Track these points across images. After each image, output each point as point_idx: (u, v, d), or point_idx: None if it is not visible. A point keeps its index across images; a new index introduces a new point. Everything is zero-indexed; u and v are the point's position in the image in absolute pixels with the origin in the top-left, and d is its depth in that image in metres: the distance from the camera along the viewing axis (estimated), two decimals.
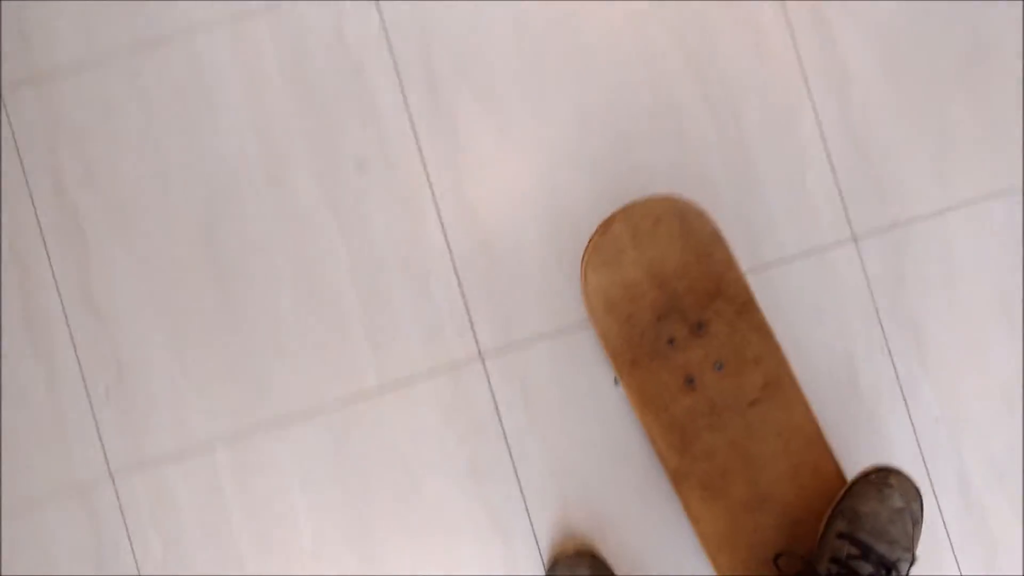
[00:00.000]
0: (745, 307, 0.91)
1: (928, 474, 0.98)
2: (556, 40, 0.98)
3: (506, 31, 0.98)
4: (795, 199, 0.98)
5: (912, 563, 0.87)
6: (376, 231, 0.97)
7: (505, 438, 0.96)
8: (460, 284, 0.97)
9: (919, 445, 0.98)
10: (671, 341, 0.91)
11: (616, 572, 0.95)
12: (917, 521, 0.88)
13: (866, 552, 0.84)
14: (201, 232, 0.97)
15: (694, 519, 0.90)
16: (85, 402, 0.96)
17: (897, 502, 0.87)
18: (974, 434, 0.98)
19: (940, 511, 0.97)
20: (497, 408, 0.97)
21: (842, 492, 0.89)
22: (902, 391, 0.98)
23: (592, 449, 0.97)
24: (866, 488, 0.88)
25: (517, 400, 0.97)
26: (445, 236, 0.97)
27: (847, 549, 0.85)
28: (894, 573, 0.85)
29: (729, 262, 0.91)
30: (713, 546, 0.90)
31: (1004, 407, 0.98)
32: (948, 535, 0.97)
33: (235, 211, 0.97)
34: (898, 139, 0.98)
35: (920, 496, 0.88)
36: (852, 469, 0.96)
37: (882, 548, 0.85)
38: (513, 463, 0.96)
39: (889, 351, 0.98)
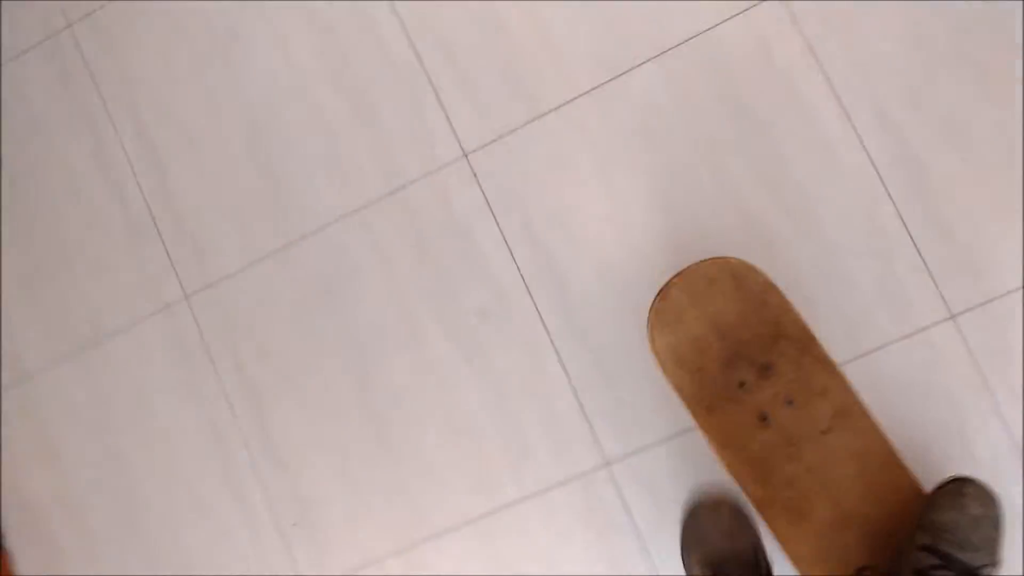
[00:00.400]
0: (807, 345, 1.00)
1: None
2: (640, 182, 1.10)
3: (586, 177, 1.11)
4: (887, 287, 1.04)
5: (997, 566, 0.92)
6: (501, 367, 1.13)
7: (638, 534, 1.09)
8: (580, 404, 1.11)
9: None
10: (741, 385, 1.01)
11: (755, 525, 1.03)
12: (998, 526, 0.93)
13: (948, 562, 0.91)
14: (356, 385, 1.17)
15: (782, 541, 1.00)
16: (277, 539, 1.18)
17: (976, 510, 0.93)
18: None
19: None
20: (627, 507, 1.10)
21: (922, 507, 0.96)
22: None
23: None
24: (943, 499, 0.94)
25: (645, 497, 1.09)
26: (562, 364, 1.11)
27: (928, 560, 0.92)
28: None
29: (785, 306, 1.00)
30: (804, 565, 0.99)
31: None
32: None
33: (382, 366, 1.16)
34: (981, 215, 1.02)
35: (998, 501, 0.94)
36: None
37: (965, 557, 0.91)
38: (650, 556, 1.09)
39: (1002, 418, 1.02)
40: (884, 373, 1.04)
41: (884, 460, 0.99)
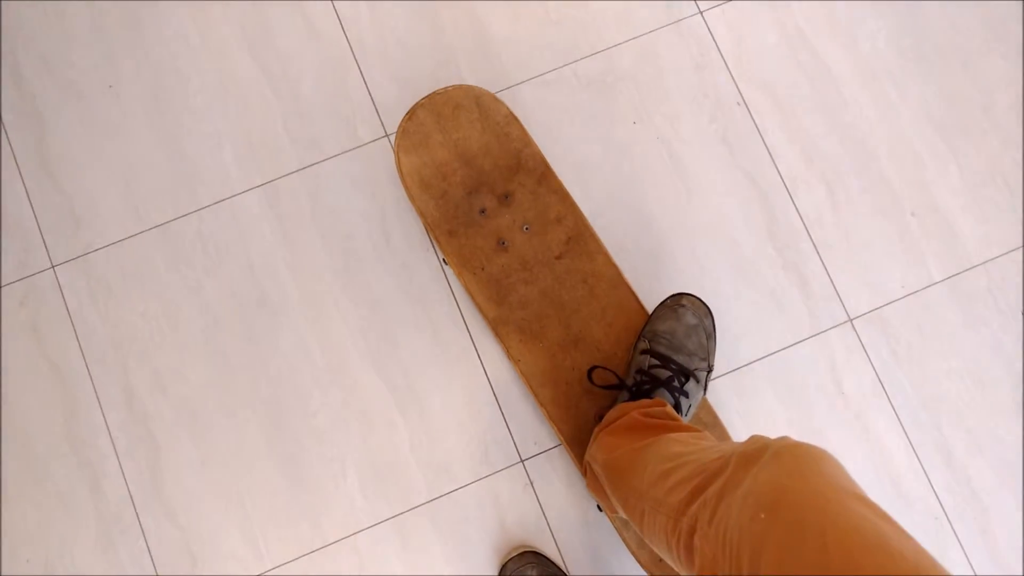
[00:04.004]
0: (543, 176, 1.04)
1: None
2: None
3: None
4: None
5: (709, 371, 0.97)
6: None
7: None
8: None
9: None
10: (482, 211, 1.02)
11: (565, 569, 1.02)
12: (710, 335, 0.98)
13: (665, 361, 0.94)
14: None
15: (515, 359, 0.99)
16: None
17: (690, 319, 0.98)
18: None
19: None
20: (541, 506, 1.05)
21: (645, 320, 1.00)
22: None
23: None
24: (663, 311, 0.99)
25: (554, 490, 1.05)
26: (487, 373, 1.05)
27: (649, 361, 0.95)
28: (692, 380, 0.95)
29: (525, 140, 1.04)
30: (535, 382, 0.99)
31: None
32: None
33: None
34: None
35: (711, 313, 0.99)
36: None
37: (680, 358, 0.95)
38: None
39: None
40: None
41: (612, 283, 1.02)
